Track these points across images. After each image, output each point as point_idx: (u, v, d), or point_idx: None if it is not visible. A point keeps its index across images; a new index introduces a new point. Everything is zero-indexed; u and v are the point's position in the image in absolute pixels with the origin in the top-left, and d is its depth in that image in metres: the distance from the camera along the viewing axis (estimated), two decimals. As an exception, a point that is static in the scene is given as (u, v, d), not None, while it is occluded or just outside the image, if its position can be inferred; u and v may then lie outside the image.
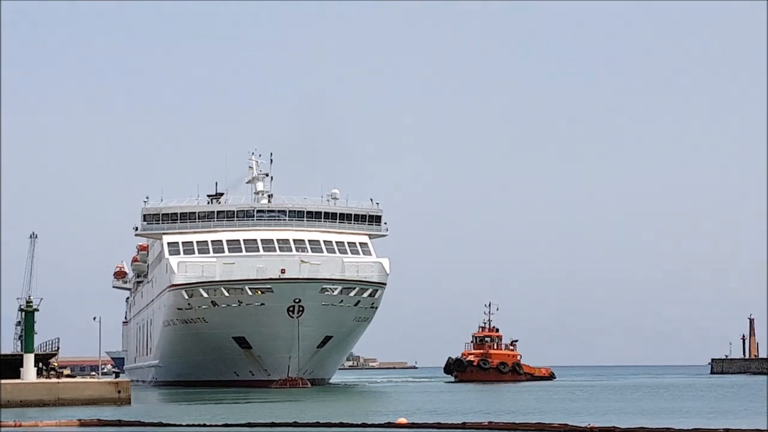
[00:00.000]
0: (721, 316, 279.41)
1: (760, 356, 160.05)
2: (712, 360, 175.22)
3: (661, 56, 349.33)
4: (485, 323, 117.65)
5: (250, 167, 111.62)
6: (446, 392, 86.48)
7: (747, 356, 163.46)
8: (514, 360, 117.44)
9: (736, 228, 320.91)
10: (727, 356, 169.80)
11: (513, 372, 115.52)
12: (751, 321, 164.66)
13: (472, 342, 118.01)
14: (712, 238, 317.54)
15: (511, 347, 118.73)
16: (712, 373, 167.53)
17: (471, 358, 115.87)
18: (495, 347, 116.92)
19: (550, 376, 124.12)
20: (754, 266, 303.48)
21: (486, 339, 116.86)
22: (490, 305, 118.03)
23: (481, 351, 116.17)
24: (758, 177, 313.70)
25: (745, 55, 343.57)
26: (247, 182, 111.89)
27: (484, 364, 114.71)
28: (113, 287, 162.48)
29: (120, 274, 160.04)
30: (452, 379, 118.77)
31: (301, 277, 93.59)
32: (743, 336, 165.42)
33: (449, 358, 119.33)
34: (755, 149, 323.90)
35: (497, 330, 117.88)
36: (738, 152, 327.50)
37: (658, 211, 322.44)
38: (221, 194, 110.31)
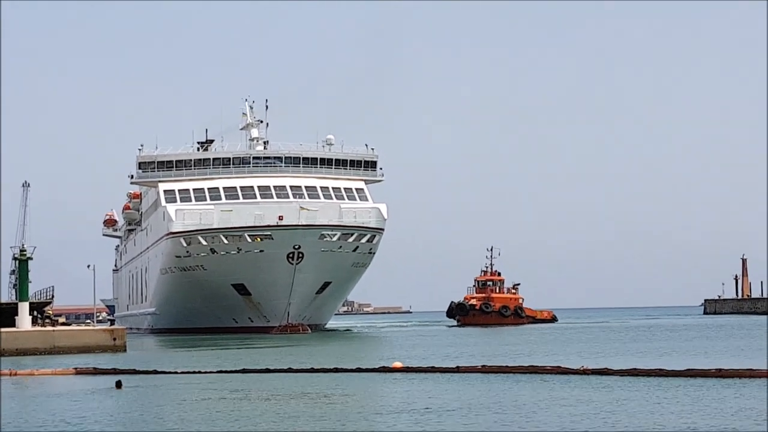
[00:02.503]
0: (715, 256, 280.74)
1: (752, 296, 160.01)
2: (705, 301, 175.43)
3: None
4: (487, 267, 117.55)
5: (243, 114, 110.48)
6: (449, 336, 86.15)
7: (740, 296, 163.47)
8: (516, 303, 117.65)
9: (730, 171, 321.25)
10: (720, 297, 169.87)
11: (515, 315, 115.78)
12: (744, 261, 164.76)
13: (474, 286, 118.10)
14: (707, 181, 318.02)
15: (513, 291, 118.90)
16: (705, 313, 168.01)
17: (473, 302, 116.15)
18: (497, 291, 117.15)
19: (552, 319, 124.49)
20: (747, 207, 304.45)
21: (488, 283, 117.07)
22: (492, 249, 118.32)
23: (484, 295, 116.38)
24: (753, 120, 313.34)
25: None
26: (241, 129, 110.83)
27: (486, 307, 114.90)
28: (103, 235, 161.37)
29: (110, 223, 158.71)
30: (455, 323, 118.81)
31: (300, 223, 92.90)
32: (736, 276, 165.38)
33: (452, 302, 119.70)
34: (748, 101, 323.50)
35: (499, 274, 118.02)
36: (732, 102, 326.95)
37: (653, 154, 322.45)
38: (211, 141, 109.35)
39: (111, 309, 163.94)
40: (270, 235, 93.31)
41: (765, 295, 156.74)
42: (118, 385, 34.78)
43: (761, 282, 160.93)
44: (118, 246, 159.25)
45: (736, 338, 68.65)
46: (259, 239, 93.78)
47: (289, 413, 26.19)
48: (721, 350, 53.75)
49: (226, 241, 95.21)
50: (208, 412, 27.21)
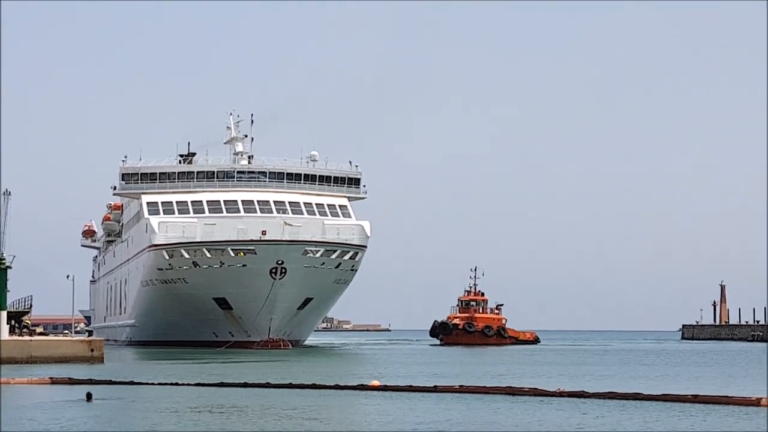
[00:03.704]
0: (693, 283, 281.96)
1: (730, 323, 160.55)
2: (683, 326, 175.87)
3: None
4: (471, 287, 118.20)
5: (228, 128, 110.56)
6: (431, 355, 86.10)
7: (718, 323, 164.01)
8: (499, 324, 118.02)
9: (709, 197, 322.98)
10: (698, 322, 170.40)
11: (498, 336, 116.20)
12: (723, 287, 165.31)
13: (457, 306, 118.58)
14: (687, 207, 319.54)
15: (497, 311, 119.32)
16: (682, 338, 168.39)
17: (456, 321, 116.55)
18: (480, 311, 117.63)
19: (535, 340, 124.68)
20: (727, 235, 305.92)
21: (471, 303, 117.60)
22: (476, 269, 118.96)
23: (467, 315, 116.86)
24: (733, 148, 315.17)
25: None
26: (225, 143, 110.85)
27: (469, 327, 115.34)
28: (81, 246, 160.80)
29: (89, 233, 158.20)
30: (438, 342, 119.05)
31: (283, 238, 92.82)
32: (714, 302, 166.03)
33: (435, 321, 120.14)
34: (736, 124, 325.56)
35: (483, 294, 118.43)
36: (711, 129, 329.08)
37: (635, 182, 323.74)
38: (193, 154, 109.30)
39: (88, 320, 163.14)
40: (253, 249, 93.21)
41: (742, 322, 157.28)
42: (89, 397, 34.71)
43: (739, 308, 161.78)
44: (96, 257, 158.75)
45: (713, 365, 68.83)
46: (242, 253, 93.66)
47: (261, 428, 26.11)
48: (697, 376, 53.86)
49: (208, 255, 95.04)
50: (178, 424, 27.10)
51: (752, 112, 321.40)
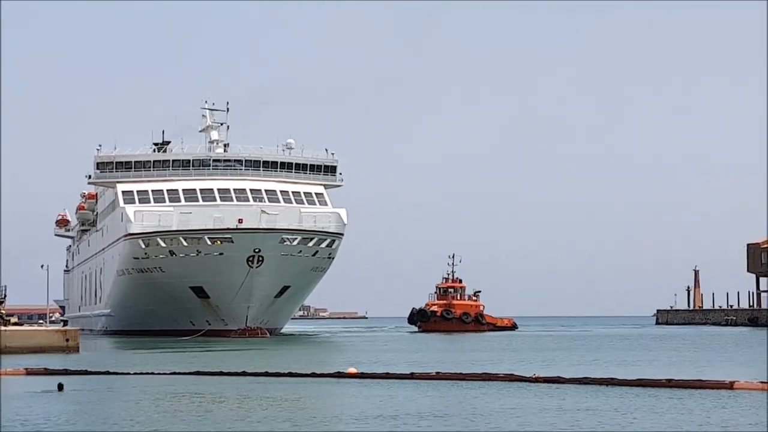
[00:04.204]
0: (668, 269, 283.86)
1: (704, 308, 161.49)
2: (658, 311, 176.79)
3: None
4: (449, 274, 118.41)
5: (203, 116, 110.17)
6: (409, 342, 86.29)
7: (691, 307, 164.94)
8: (476, 310, 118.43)
9: (684, 183, 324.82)
10: (672, 307, 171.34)
11: (476, 322, 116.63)
12: (696, 273, 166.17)
13: (435, 293, 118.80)
14: (659, 194, 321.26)
15: (474, 298, 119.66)
16: (657, 323, 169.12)
17: (434, 308, 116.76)
18: (458, 298, 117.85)
19: (513, 327, 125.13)
20: (699, 219, 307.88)
21: (449, 290, 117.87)
22: (453, 257, 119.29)
23: (445, 302, 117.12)
24: (706, 136, 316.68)
25: None
26: (201, 131, 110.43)
27: (447, 314, 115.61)
28: (55, 235, 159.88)
29: (62, 222, 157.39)
30: (416, 329, 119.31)
31: (260, 227, 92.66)
32: (688, 287, 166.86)
33: (413, 308, 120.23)
34: (713, 113, 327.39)
35: (460, 281, 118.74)
36: (686, 117, 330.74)
37: (611, 169, 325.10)
38: (168, 143, 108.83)
39: (63, 309, 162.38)
40: (230, 238, 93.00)
41: (716, 306, 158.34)
42: (60, 387, 34.57)
43: (713, 293, 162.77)
44: (70, 246, 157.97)
45: (688, 350, 69.32)
46: (219, 242, 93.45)
47: (236, 416, 26.14)
48: (672, 361, 54.22)
49: (185, 243, 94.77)
50: (150, 413, 27.07)
51: (734, 102, 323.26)
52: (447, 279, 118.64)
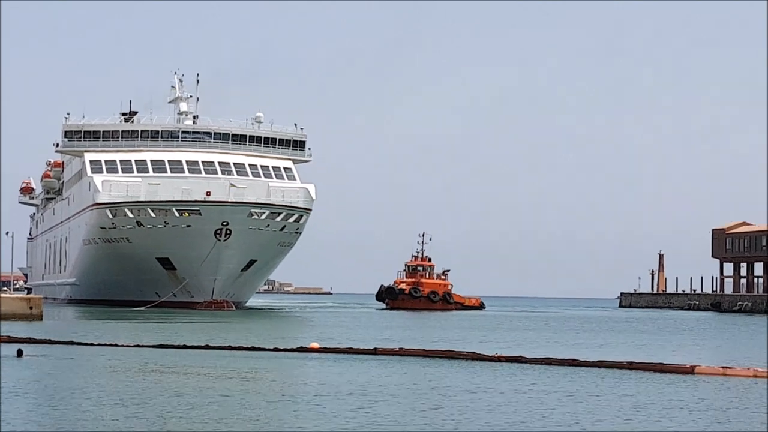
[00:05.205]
0: (633, 252, 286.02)
1: (667, 292, 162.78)
2: (621, 294, 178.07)
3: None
4: (418, 252, 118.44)
5: (172, 87, 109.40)
6: (374, 319, 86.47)
7: (655, 291, 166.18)
8: (445, 289, 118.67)
9: (649, 166, 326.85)
10: (635, 290, 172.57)
11: (443, 301, 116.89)
12: (661, 256, 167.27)
13: (404, 270, 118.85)
14: (625, 177, 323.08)
15: (443, 277, 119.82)
16: (620, 306, 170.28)
17: (402, 286, 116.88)
18: (427, 276, 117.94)
19: (480, 306, 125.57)
20: (665, 203, 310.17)
21: (418, 268, 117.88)
22: (423, 235, 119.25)
23: (413, 280, 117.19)
24: (676, 117, 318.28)
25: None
26: (170, 102, 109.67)
27: (415, 292, 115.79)
28: (19, 203, 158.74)
29: (27, 190, 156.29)
30: (383, 306, 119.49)
31: (229, 200, 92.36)
32: (652, 271, 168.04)
33: (381, 285, 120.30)
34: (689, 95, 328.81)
35: (430, 260, 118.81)
36: (659, 97, 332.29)
37: (578, 151, 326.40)
38: (135, 113, 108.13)
39: (26, 277, 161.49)
40: (198, 210, 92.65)
41: (680, 291, 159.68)
42: (19, 353, 34.55)
43: (676, 277, 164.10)
44: (34, 214, 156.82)
45: (650, 333, 69.95)
46: (186, 214, 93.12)
47: (196, 390, 26.08)
48: (636, 344, 54.64)
49: (153, 215, 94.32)
50: (105, 383, 26.96)
51: (703, 86, 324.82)
52: (416, 257, 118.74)
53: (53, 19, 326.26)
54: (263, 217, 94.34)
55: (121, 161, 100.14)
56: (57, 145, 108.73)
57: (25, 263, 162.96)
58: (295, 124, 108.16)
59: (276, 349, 40.01)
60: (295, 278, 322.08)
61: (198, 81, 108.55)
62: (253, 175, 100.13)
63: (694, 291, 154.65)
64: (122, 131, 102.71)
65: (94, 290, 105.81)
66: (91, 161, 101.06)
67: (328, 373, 31.44)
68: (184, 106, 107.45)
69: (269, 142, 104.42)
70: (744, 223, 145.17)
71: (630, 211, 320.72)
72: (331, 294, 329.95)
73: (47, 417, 21.30)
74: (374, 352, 39.21)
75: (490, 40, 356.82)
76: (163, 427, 20.04)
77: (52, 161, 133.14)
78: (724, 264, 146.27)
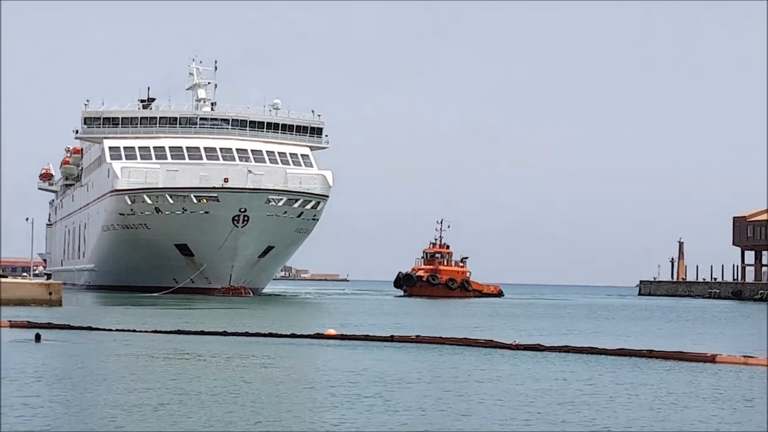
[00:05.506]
0: (653, 239, 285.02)
1: (687, 279, 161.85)
2: (641, 282, 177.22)
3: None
4: (436, 239, 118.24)
5: (190, 74, 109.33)
6: (392, 306, 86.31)
7: (675, 279, 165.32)
8: (463, 277, 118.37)
9: (670, 153, 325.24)
10: (655, 278, 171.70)
11: (461, 288, 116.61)
12: (681, 244, 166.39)
13: (422, 257, 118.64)
14: (647, 165, 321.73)
15: (461, 264, 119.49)
16: (639, 294, 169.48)
17: (421, 273, 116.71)
18: (445, 263, 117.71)
19: (499, 294, 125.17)
20: (686, 191, 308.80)
21: (436, 255, 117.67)
22: (441, 222, 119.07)
23: (431, 267, 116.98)
24: (695, 104, 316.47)
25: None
26: (188, 89, 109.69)
27: (433, 279, 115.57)
28: (39, 189, 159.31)
29: (46, 176, 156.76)
30: (401, 293, 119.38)
31: (246, 187, 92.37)
32: (672, 259, 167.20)
33: (399, 272, 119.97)
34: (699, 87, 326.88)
35: (448, 247, 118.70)
36: (679, 81, 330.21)
37: (599, 139, 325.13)
38: (153, 100, 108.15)
39: (45, 263, 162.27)
40: (216, 197, 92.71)
41: (700, 279, 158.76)
42: (38, 338, 34.67)
43: (697, 266, 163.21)
44: (53, 200, 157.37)
45: (670, 321, 69.49)
46: (205, 200, 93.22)
47: (209, 375, 25.95)
48: (655, 332, 54.25)
49: (171, 201, 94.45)
50: (122, 368, 26.87)
51: (725, 74, 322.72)
52: (434, 244, 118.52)
53: (74, 6, 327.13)
54: (281, 203, 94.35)
55: (139, 148, 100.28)
56: (76, 131, 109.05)
57: (44, 249, 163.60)
58: (313, 111, 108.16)
59: (293, 336, 39.87)
60: (312, 265, 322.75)
61: (216, 68, 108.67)
62: (271, 162, 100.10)
63: (715, 279, 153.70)
64: (141, 118, 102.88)
65: (112, 276, 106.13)
66: (110, 148, 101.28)
67: (345, 360, 31.26)
68: (202, 93, 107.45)
69: (287, 128, 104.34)
70: (766, 211, 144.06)
71: (651, 199, 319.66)
72: (348, 281, 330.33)
73: (59, 403, 21.19)
74: (391, 339, 39.00)
75: (510, 29, 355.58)
76: (179, 411, 19.89)
77: (72, 148, 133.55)
78: (746, 252, 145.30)
